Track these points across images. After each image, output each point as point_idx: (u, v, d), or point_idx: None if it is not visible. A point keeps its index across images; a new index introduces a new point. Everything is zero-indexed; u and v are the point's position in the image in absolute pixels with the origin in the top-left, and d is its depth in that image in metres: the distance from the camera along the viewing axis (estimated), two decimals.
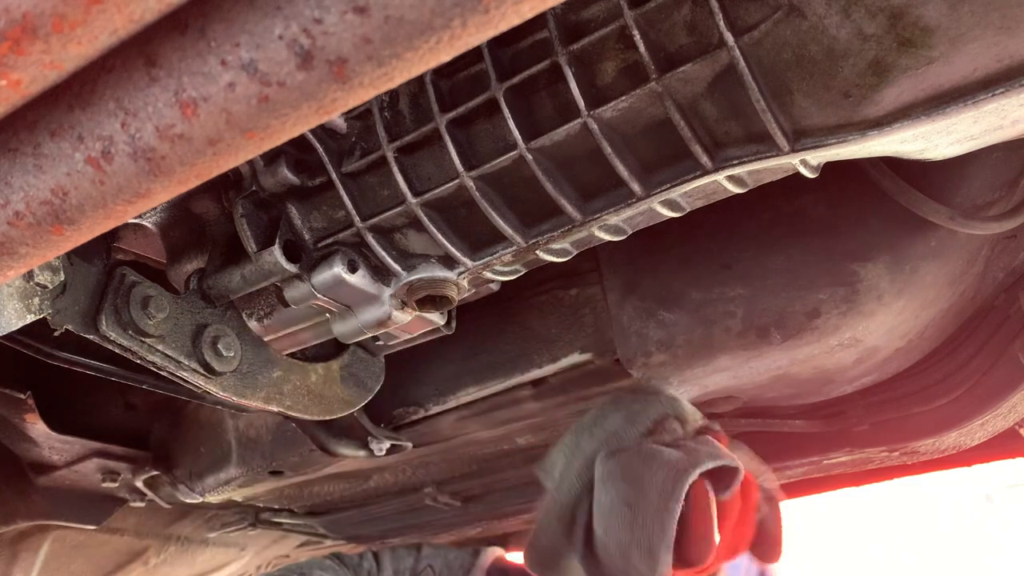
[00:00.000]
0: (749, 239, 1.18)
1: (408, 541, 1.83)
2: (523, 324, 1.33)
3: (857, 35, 0.68)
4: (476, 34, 0.42)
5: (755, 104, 0.73)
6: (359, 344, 1.11)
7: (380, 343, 1.11)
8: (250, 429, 1.46)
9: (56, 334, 0.84)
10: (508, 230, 0.87)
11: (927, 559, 7.11)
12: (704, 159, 0.78)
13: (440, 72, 0.85)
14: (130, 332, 0.87)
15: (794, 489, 1.66)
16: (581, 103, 0.77)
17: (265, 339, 1.01)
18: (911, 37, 0.66)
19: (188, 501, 1.56)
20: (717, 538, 1.01)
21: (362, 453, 1.37)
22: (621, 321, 1.24)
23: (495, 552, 1.57)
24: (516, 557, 1.95)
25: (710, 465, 1.01)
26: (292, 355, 1.05)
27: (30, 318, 0.79)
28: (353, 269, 0.92)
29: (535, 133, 0.81)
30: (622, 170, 0.80)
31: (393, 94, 0.88)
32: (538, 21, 0.79)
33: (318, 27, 0.41)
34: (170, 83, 0.45)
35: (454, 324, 1.11)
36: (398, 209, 0.88)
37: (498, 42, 0.82)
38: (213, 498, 1.56)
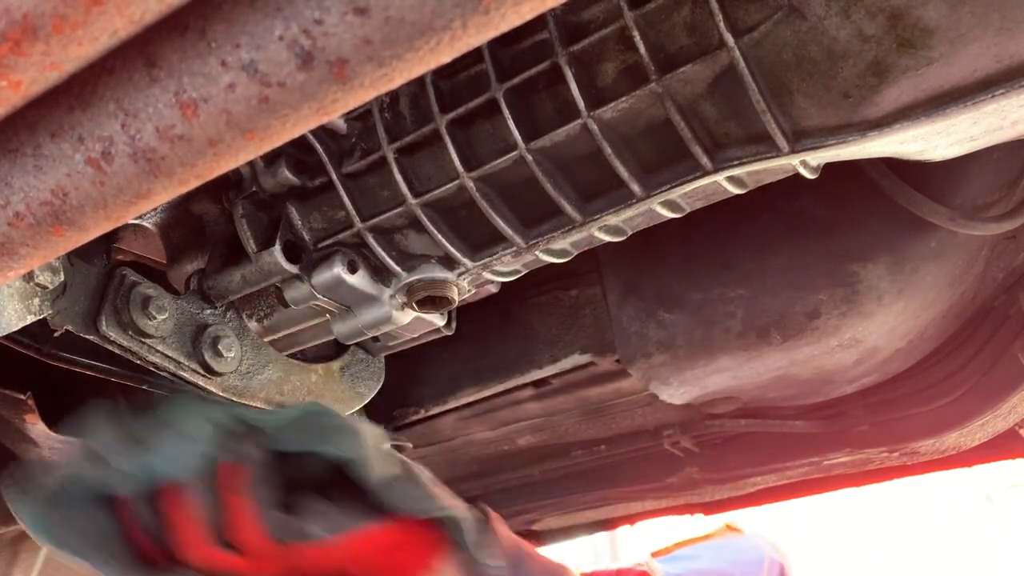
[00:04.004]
0: (749, 240, 1.18)
1: None
2: (523, 325, 1.33)
3: (857, 36, 0.68)
4: (476, 35, 0.42)
5: (755, 105, 0.73)
6: (359, 345, 1.11)
7: (380, 344, 1.11)
8: None
9: (56, 335, 0.84)
10: (508, 231, 0.87)
11: (927, 559, 7.11)
12: (704, 160, 0.78)
13: (440, 73, 0.85)
14: (130, 333, 0.87)
15: (794, 490, 1.66)
16: (581, 104, 0.77)
17: (265, 340, 1.01)
18: (911, 38, 0.66)
19: None
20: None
21: None
22: (621, 321, 1.24)
23: None
24: None
25: None
26: (292, 356, 1.05)
27: (30, 319, 0.79)
28: (353, 270, 0.92)
29: (535, 134, 0.81)
30: (622, 171, 0.80)
31: (393, 95, 0.88)
32: (538, 22, 0.79)
33: (318, 28, 0.41)
34: (170, 84, 0.45)
35: (454, 325, 1.11)
36: (398, 210, 0.88)
37: (498, 43, 0.82)
38: None
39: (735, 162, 0.78)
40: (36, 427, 1.33)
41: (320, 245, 0.92)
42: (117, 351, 0.88)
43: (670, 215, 0.89)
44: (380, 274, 0.94)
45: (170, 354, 0.90)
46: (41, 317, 0.81)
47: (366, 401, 1.16)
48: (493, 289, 1.08)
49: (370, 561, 0.94)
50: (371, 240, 0.91)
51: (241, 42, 0.43)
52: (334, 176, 0.89)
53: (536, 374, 1.32)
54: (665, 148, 0.80)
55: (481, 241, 0.91)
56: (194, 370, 0.92)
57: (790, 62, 0.71)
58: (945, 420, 1.36)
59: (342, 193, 0.89)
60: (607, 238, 0.91)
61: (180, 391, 0.92)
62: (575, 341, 1.29)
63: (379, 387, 1.17)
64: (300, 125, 0.46)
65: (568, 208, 0.84)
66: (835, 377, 1.30)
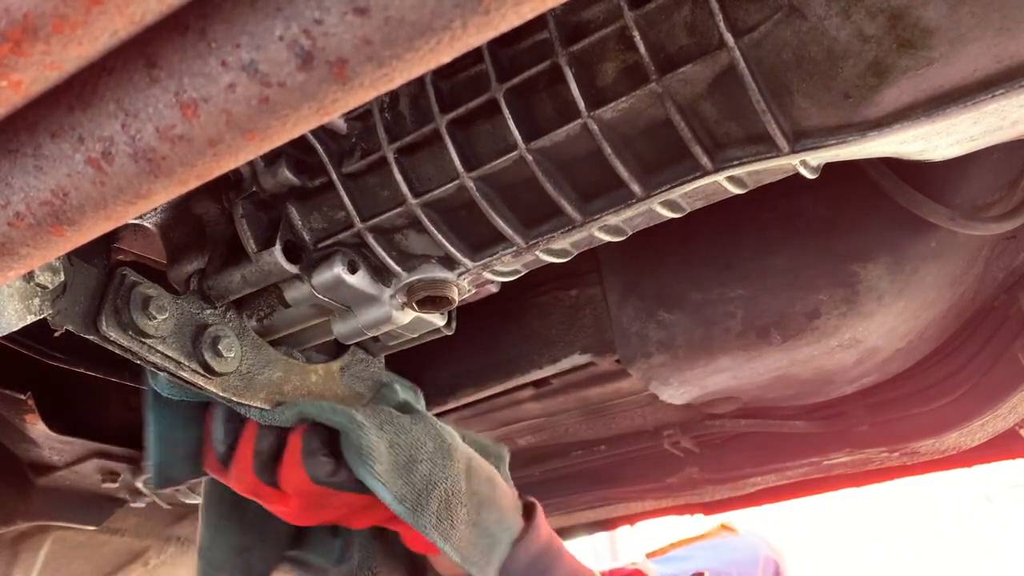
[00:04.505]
0: (749, 239, 1.18)
1: None
2: (523, 325, 1.33)
3: (857, 36, 0.68)
4: (476, 35, 0.42)
5: (755, 105, 0.73)
6: (359, 345, 1.10)
7: (380, 344, 1.11)
8: None
9: (56, 335, 0.84)
10: (508, 231, 0.87)
11: (927, 559, 7.11)
12: (704, 160, 0.78)
13: (440, 73, 0.85)
14: (130, 333, 0.87)
15: (794, 490, 1.66)
16: (581, 104, 0.77)
17: (265, 339, 1.01)
18: (911, 38, 0.66)
19: (188, 502, 1.56)
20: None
21: None
22: (621, 321, 1.24)
23: None
24: None
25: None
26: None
27: (30, 319, 0.79)
28: (353, 270, 0.92)
29: (535, 134, 0.81)
30: (622, 171, 0.80)
31: (393, 95, 0.88)
32: (538, 22, 0.79)
33: (318, 28, 0.41)
34: (170, 84, 0.45)
35: (454, 325, 1.11)
36: (398, 210, 0.88)
37: (498, 43, 0.82)
38: None
39: (735, 162, 0.78)
40: (36, 427, 1.33)
41: (320, 245, 0.92)
42: (117, 351, 0.88)
43: (670, 215, 0.89)
44: (380, 274, 0.94)
45: (170, 354, 0.90)
46: (41, 317, 0.80)
47: (365, 401, 1.16)
48: (493, 289, 1.08)
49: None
50: (371, 240, 0.91)
51: (241, 42, 0.43)
52: (334, 176, 0.89)
53: (536, 374, 1.32)
54: (665, 148, 0.80)
55: (481, 241, 0.91)
56: (194, 370, 0.92)
57: (790, 62, 0.71)
58: (945, 420, 1.36)
59: (342, 193, 0.89)
60: (607, 238, 0.91)
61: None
62: (575, 341, 1.29)
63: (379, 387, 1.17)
64: (300, 125, 0.46)
65: (568, 208, 0.84)
66: (835, 377, 1.30)
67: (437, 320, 1.05)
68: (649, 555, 1.64)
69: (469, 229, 0.90)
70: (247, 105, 0.44)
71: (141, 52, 0.45)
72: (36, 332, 0.91)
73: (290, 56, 0.42)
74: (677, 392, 1.30)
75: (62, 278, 0.82)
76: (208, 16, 0.43)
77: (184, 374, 0.92)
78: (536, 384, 1.38)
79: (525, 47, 0.83)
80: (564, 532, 1.95)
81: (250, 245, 0.91)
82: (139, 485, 1.55)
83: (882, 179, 1.06)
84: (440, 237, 0.89)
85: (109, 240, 0.91)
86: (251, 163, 0.91)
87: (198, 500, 1.53)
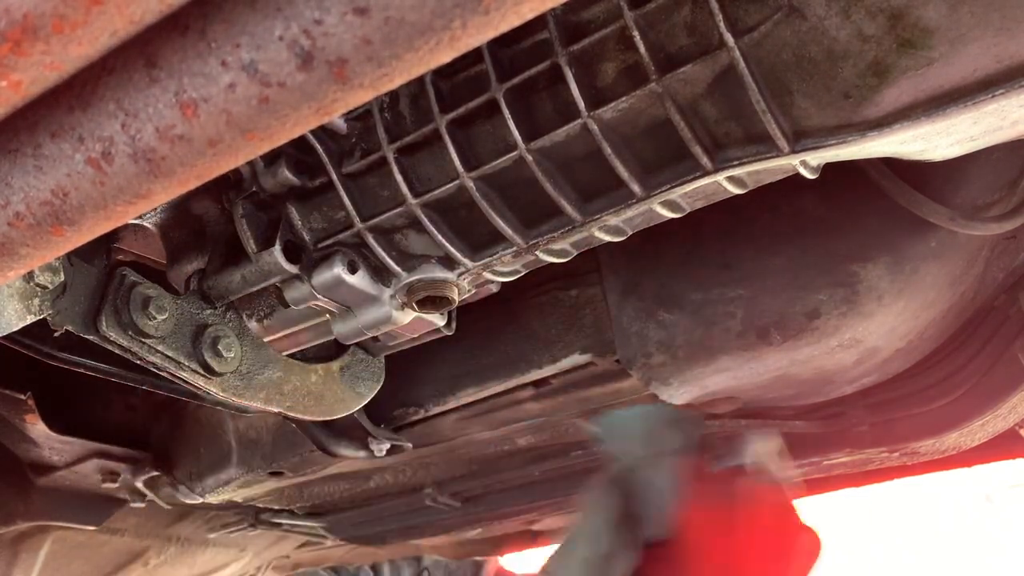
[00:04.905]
0: (749, 240, 1.18)
1: (409, 544, 1.82)
2: (523, 325, 1.33)
3: (857, 36, 0.68)
4: (476, 35, 0.42)
5: (755, 105, 0.73)
6: (359, 344, 1.11)
7: (380, 344, 1.11)
8: (250, 430, 1.46)
9: (56, 335, 0.84)
10: (508, 231, 0.87)
11: (927, 559, 7.11)
12: (704, 160, 0.78)
13: (440, 73, 0.85)
14: (130, 333, 0.87)
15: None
16: (581, 104, 0.77)
17: (265, 340, 1.01)
18: (911, 38, 0.66)
19: (188, 502, 1.56)
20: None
21: (362, 454, 1.37)
22: (621, 322, 1.24)
23: (496, 562, 1.58)
24: (511, 563, 1.95)
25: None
26: (292, 356, 1.05)
27: (30, 319, 0.79)
28: (353, 270, 0.92)
29: (535, 134, 0.81)
30: (622, 171, 0.80)
31: (393, 95, 0.88)
32: (538, 22, 0.79)
33: (318, 28, 0.41)
34: (170, 84, 0.45)
35: (454, 325, 1.11)
36: (398, 210, 0.88)
37: (498, 43, 0.82)
38: (213, 499, 1.56)
39: (735, 162, 0.78)
40: (36, 427, 1.33)
41: (320, 245, 0.92)
42: (117, 351, 0.88)
43: (670, 215, 0.89)
44: (380, 274, 0.94)
45: (170, 354, 0.90)
46: (41, 317, 0.80)
47: (366, 401, 1.16)
48: (493, 289, 1.08)
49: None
50: (371, 240, 0.91)
51: (241, 42, 0.43)
52: (334, 176, 0.89)
53: (536, 374, 1.32)
54: (665, 148, 0.80)
55: (481, 241, 0.91)
56: (194, 370, 0.92)
57: (790, 62, 0.71)
58: (945, 420, 1.35)
59: (342, 193, 0.89)
60: (607, 238, 0.91)
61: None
62: (575, 341, 1.29)
63: (379, 387, 1.17)
64: (300, 125, 0.46)
65: (568, 208, 0.84)
66: (835, 377, 1.30)
67: (437, 320, 1.05)
68: None
69: (469, 229, 0.90)
70: (247, 105, 0.44)
71: (141, 52, 0.45)
72: (36, 332, 0.91)
73: (290, 56, 0.42)
74: (677, 392, 1.30)
75: (62, 278, 0.82)
76: (208, 16, 0.43)
77: (184, 374, 0.92)
78: (536, 384, 1.38)
79: (525, 47, 0.83)
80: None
81: (250, 245, 0.91)
82: (139, 485, 1.55)
83: (882, 179, 1.06)
84: (440, 237, 0.89)
85: (109, 240, 0.91)
86: (251, 163, 0.91)
87: (197, 500, 1.53)
